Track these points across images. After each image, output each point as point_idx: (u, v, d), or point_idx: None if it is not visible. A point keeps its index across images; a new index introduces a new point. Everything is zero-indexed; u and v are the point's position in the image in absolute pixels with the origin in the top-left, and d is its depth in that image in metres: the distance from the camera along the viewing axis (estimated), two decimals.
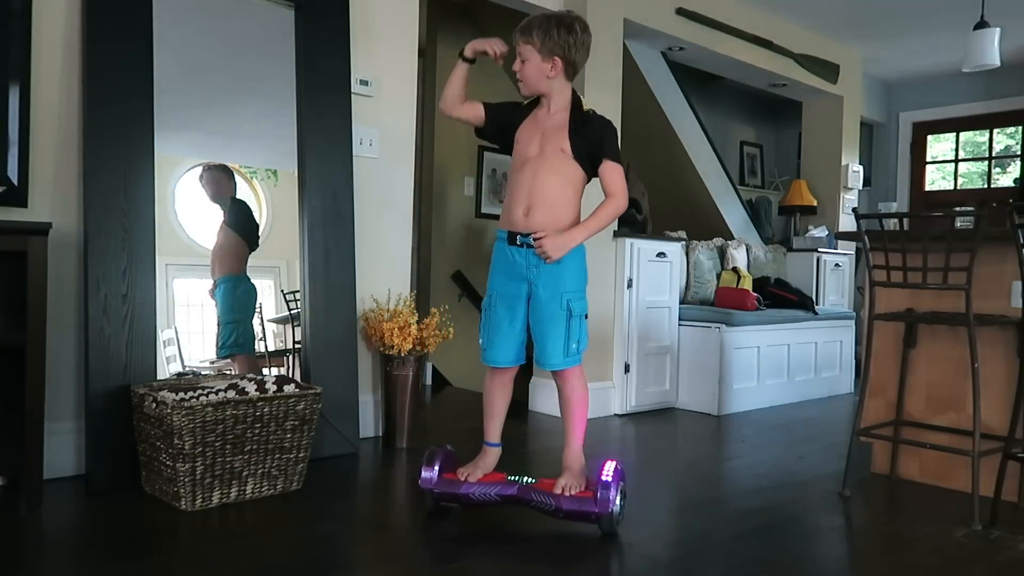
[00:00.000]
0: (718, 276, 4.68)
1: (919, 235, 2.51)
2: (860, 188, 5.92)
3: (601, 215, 2.23)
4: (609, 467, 2.15)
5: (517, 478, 2.25)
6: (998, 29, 4.13)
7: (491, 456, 2.34)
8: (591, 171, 2.25)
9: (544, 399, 3.88)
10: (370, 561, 2.01)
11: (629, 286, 4.01)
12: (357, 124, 3.17)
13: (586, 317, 2.26)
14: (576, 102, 2.27)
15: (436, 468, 2.24)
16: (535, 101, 2.31)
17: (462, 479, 2.24)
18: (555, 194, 2.21)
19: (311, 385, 2.62)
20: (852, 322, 5.09)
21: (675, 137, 5.01)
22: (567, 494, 2.14)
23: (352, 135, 3.11)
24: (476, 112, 2.32)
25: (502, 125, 2.33)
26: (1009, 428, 2.44)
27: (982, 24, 4.14)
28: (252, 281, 3.01)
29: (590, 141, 2.22)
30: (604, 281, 3.97)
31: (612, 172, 2.24)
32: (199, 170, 2.94)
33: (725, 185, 5.35)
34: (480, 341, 2.31)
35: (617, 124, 4.04)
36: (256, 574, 1.85)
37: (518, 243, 2.23)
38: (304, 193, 2.98)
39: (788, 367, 4.59)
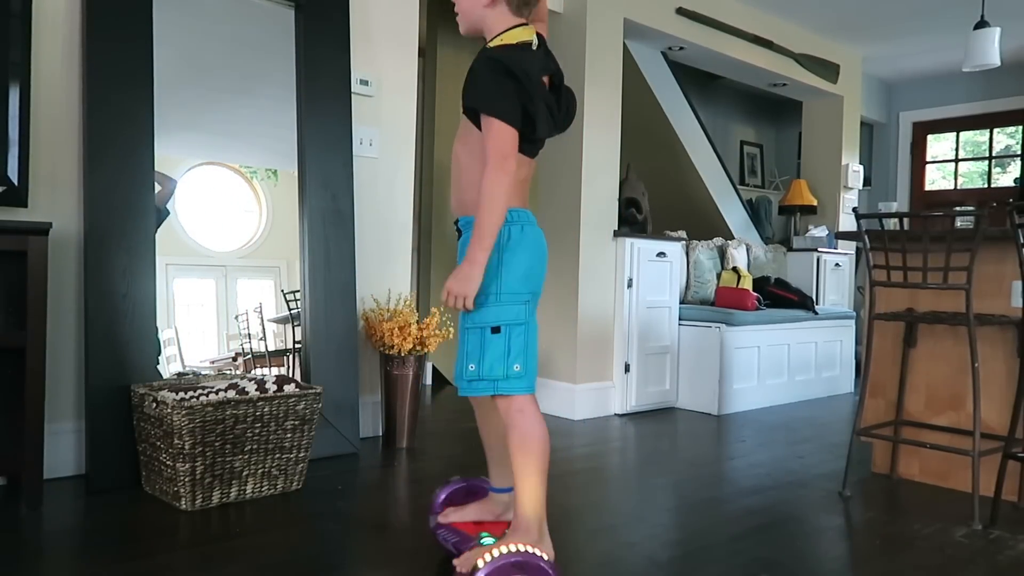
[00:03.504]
0: (718, 276, 4.68)
1: (919, 235, 2.51)
2: (860, 188, 5.92)
3: (481, 212, 1.57)
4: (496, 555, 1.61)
5: (484, 537, 1.75)
6: (998, 29, 4.13)
7: (496, 503, 1.95)
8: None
9: (545, 400, 3.88)
10: (370, 561, 2.01)
11: (629, 286, 4.01)
12: (357, 124, 3.17)
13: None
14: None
15: (444, 495, 2.02)
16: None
17: (438, 512, 2.00)
18: (466, 171, 1.70)
19: (311, 385, 2.62)
20: (852, 322, 5.09)
21: (675, 137, 5.02)
22: (460, 570, 1.67)
23: (352, 135, 3.11)
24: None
25: None
26: (1009, 428, 2.44)
27: (982, 24, 4.15)
28: None
29: (464, 86, 1.63)
30: (604, 281, 3.97)
31: (484, 128, 1.60)
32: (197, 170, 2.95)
33: (725, 185, 5.35)
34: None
35: (617, 124, 4.06)
36: (256, 574, 1.85)
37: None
38: (304, 193, 2.98)
39: (788, 367, 4.59)
